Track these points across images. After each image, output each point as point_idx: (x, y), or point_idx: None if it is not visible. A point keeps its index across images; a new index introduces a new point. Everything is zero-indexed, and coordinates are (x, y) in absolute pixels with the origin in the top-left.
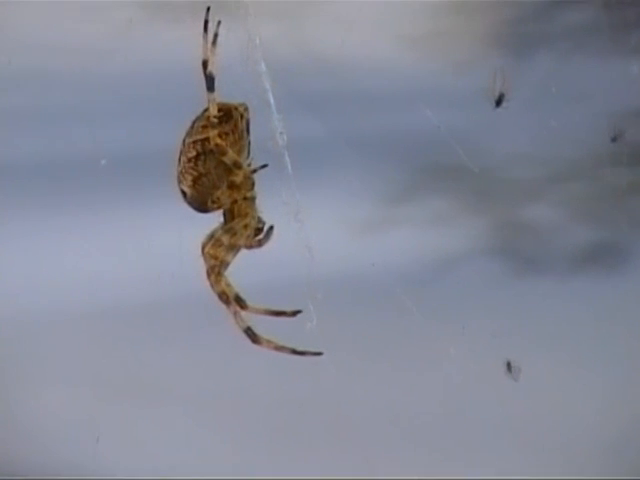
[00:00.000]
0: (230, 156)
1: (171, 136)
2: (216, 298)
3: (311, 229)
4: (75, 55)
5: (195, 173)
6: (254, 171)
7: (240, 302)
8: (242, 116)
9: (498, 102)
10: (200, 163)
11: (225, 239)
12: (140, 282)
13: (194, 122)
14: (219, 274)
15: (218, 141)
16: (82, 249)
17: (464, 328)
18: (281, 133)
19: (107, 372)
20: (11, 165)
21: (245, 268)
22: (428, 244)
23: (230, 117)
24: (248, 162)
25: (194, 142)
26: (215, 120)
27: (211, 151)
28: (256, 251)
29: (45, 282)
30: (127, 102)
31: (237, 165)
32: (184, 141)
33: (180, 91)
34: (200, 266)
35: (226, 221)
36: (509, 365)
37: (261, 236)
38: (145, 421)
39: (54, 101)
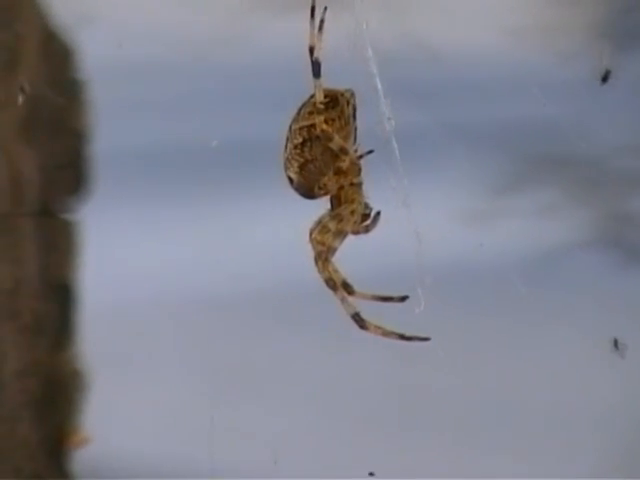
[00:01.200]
0: (337, 142)
1: (280, 125)
2: (323, 284)
3: (419, 215)
4: (185, 45)
5: (301, 159)
6: (361, 157)
7: (347, 288)
8: (348, 102)
9: (604, 78)
10: (307, 149)
11: (332, 225)
12: (248, 270)
13: (300, 108)
14: (326, 260)
15: (324, 127)
16: (193, 239)
17: (572, 317)
18: (389, 119)
19: (216, 363)
20: (121, 155)
21: (352, 254)
22: (534, 234)
23: (336, 103)
24: (355, 148)
25: (300, 128)
26: (321, 106)
27: (317, 137)
28: (363, 237)
29: (154, 272)
30: (236, 92)
31: (344, 151)
32: (290, 127)
33: (289, 80)
34: (308, 253)
35: (333, 207)
36: (616, 342)
37: (368, 222)
38: (254, 412)
39: (164, 91)
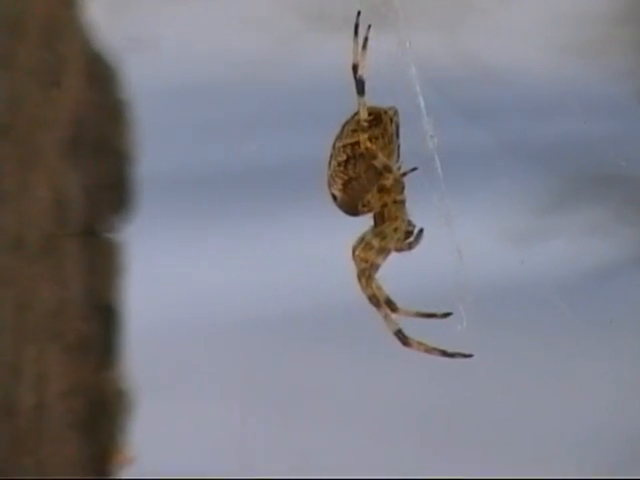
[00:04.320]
0: (380, 159)
1: (324, 143)
2: (367, 301)
3: (462, 233)
4: (240, 66)
5: (345, 177)
6: (404, 174)
7: (390, 305)
8: (392, 120)
9: None
10: (350, 167)
11: (375, 242)
12: (292, 288)
13: (344, 126)
14: (369, 277)
15: (368, 145)
16: (236, 258)
17: (618, 335)
18: (431, 136)
19: (265, 382)
20: (176, 175)
21: (396, 271)
22: (581, 253)
23: (380, 121)
24: (398, 165)
25: (344, 146)
26: (365, 124)
27: (361, 155)
28: (406, 254)
29: (205, 292)
30: (289, 111)
31: (387, 168)
32: (334, 145)
33: (338, 99)
34: (351, 270)
35: (376, 224)
36: None
37: (411, 239)
38: (300, 429)
39: (220, 112)
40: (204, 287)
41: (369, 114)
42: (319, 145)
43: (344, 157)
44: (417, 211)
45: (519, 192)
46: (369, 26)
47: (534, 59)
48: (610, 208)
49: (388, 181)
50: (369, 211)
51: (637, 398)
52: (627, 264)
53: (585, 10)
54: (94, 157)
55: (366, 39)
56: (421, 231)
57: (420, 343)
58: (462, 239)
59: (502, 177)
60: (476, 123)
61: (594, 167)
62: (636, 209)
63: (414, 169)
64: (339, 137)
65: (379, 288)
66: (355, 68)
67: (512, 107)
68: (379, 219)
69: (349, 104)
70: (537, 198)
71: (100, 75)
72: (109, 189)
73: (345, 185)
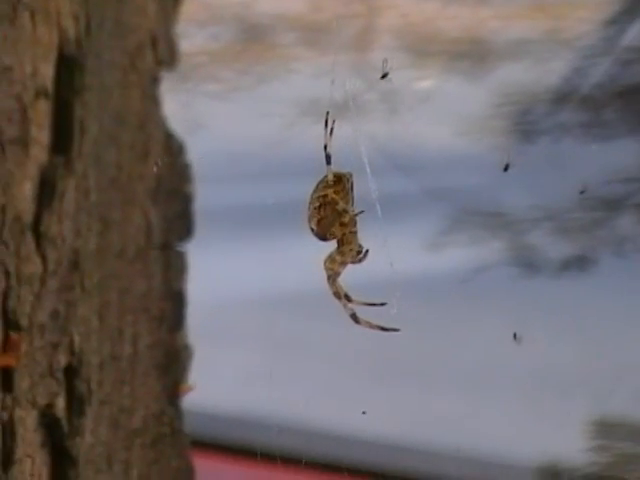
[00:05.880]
0: (341, 205)
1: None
2: (332, 295)
3: (393, 251)
4: (256, 143)
5: (319, 216)
6: (356, 214)
7: (347, 297)
8: (348, 180)
9: (506, 168)
10: (322, 210)
11: (338, 257)
12: (288, 278)
13: (318, 184)
14: (334, 280)
15: (334, 196)
16: (272, 261)
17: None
18: (374, 190)
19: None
20: (222, 212)
21: (350, 276)
22: (468, 259)
23: (341, 180)
24: (352, 209)
25: (318, 197)
26: (331, 182)
27: (329, 202)
28: (357, 265)
29: (240, 284)
30: (287, 172)
31: (345, 211)
32: (312, 196)
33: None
34: (323, 274)
35: (339, 246)
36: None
37: (361, 256)
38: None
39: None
40: (239, 282)
41: (334, 176)
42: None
43: (317, 204)
44: (364, 238)
45: (431, 219)
46: (334, 120)
47: (442, 138)
48: (487, 232)
49: (346, 219)
50: (334, 238)
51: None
52: (496, 265)
53: (472, 110)
54: (169, 199)
55: (332, 128)
56: (367, 251)
57: (366, 322)
58: (393, 255)
59: (420, 213)
60: (407, 178)
61: (475, 206)
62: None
63: (362, 211)
64: (315, 190)
65: (340, 287)
66: (325, 147)
67: (427, 167)
68: (340, 243)
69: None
70: (442, 223)
71: (173, 148)
72: (178, 219)
73: (318, 222)
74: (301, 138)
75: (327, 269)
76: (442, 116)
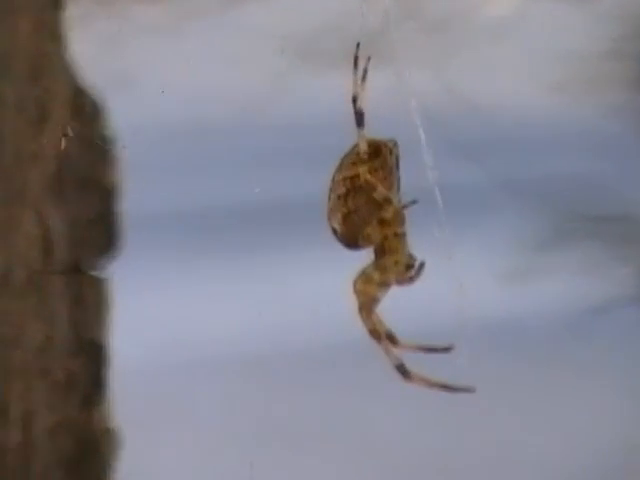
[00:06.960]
0: (380, 192)
1: (323, 179)
2: (367, 335)
3: (462, 268)
4: (232, 105)
5: (345, 210)
6: (404, 207)
7: (391, 338)
8: (391, 152)
9: None
10: (350, 200)
11: (376, 275)
12: (291, 323)
13: (343, 159)
14: (370, 310)
15: (368, 177)
16: (239, 295)
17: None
18: (432, 169)
19: (251, 420)
20: (164, 214)
21: (396, 304)
22: (577, 291)
23: (379, 153)
24: (398, 198)
25: (344, 179)
26: (365, 156)
27: (361, 187)
28: (407, 287)
29: (191, 327)
30: (283, 150)
31: (387, 201)
32: (333, 178)
33: (330, 135)
34: (352, 304)
35: (377, 257)
36: None
37: (412, 272)
38: (300, 466)
39: (210, 151)
40: (190, 323)
41: (368, 146)
42: (315, 179)
43: (344, 190)
44: (418, 244)
45: (517, 229)
46: (369, 58)
47: (529, 95)
48: (605, 246)
49: (388, 214)
50: (369, 244)
51: (633, 428)
52: (622, 301)
53: (574, 48)
54: (79, 193)
55: (365, 70)
56: (422, 264)
57: (422, 378)
58: (462, 274)
59: (499, 214)
60: (471, 158)
61: (590, 205)
62: (629, 246)
63: (414, 202)
64: (338, 170)
65: (379, 321)
66: (354, 100)
67: (509, 144)
68: (380, 252)
69: (343, 140)
70: (534, 236)
71: (85, 111)
72: (94, 225)
73: (345, 218)
74: (295, 96)
75: (359, 293)
76: (526, 60)
